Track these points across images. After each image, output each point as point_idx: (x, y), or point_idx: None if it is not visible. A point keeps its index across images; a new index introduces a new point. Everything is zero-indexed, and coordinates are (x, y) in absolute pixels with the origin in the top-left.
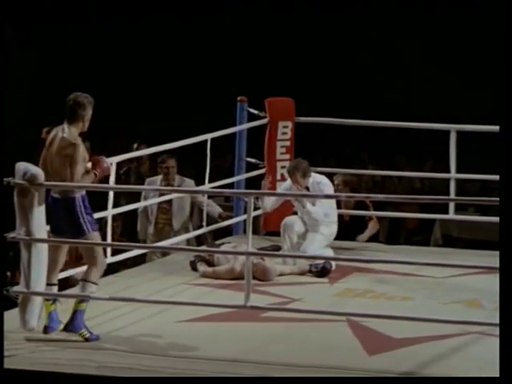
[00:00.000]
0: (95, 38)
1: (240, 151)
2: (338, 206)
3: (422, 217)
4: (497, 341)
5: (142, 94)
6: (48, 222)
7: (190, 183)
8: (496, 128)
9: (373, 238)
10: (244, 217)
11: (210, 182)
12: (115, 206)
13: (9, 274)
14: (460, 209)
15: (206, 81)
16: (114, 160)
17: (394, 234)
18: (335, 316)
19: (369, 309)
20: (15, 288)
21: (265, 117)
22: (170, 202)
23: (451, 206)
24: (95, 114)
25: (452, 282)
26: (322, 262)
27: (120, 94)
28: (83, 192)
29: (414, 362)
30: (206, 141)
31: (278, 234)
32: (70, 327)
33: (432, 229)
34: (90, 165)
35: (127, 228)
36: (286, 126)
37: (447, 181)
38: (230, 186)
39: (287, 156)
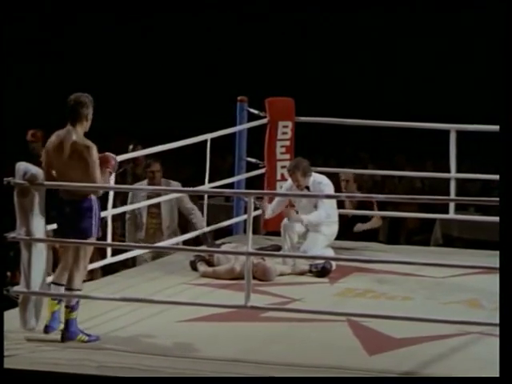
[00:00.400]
0: (95, 38)
1: (240, 151)
2: (342, 205)
3: (423, 216)
4: (497, 341)
5: (142, 93)
6: (57, 224)
7: (177, 185)
8: (496, 128)
9: (373, 238)
10: (244, 217)
11: (210, 182)
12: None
13: (9, 273)
14: (460, 209)
15: (206, 81)
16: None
17: (395, 233)
18: (335, 316)
19: (369, 309)
20: (15, 288)
21: (265, 117)
22: (159, 206)
23: (451, 205)
24: (95, 114)
25: (452, 282)
26: (322, 261)
27: (120, 94)
28: (101, 193)
29: (414, 362)
30: (206, 141)
31: (278, 233)
32: (66, 336)
33: (432, 229)
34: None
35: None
36: (286, 126)
37: (447, 181)
38: (231, 185)
39: (287, 156)
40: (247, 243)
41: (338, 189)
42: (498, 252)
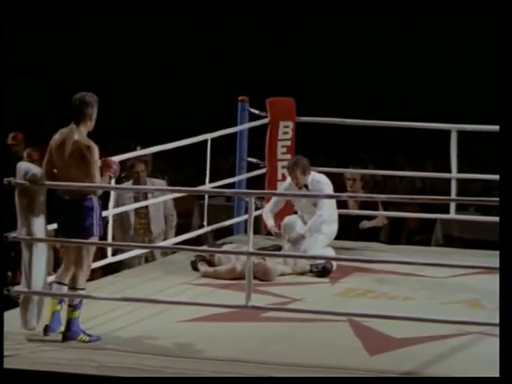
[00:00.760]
0: (95, 38)
1: (241, 151)
2: (345, 205)
3: (423, 217)
4: (497, 341)
5: (142, 93)
6: (57, 224)
7: (161, 183)
8: (496, 128)
9: (374, 238)
10: (245, 217)
11: (211, 182)
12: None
13: (10, 273)
14: (461, 209)
15: (207, 81)
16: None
17: (395, 233)
18: (336, 316)
19: (370, 309)
20: (16, 288)
21: (266, 117)
22: (146, 206)
23: (452, 205)
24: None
25: (453, 282)
26: (322, 261)
27: (120, 94)
28: (100, 192)
29: (414, 362)
30: (207, 141)
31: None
32: (68, 336)
33: (433, 229)
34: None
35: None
36: (286, 126)
37: (448, 181)
38: (231, 186)
39: (288, 156)
40: (248, 243)
41: (341, 188)
42: (498, 252)
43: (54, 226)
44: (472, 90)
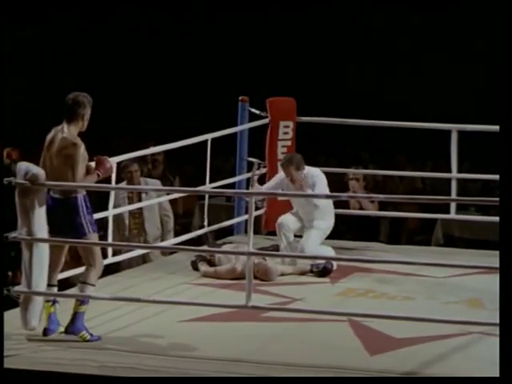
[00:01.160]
0: (95, 38)
1: (241, 151)
2: (347, 205)
3: (424, 216)
4: (497, 341)
5: (142, 93)
6: (47, 222)
7: (155, 183)
8: (496, 128)
9: (374, 238)
10: (245, 217)
11: (212, 182)
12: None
13: (10, 273)
14: (461, 209)
15: (207, 81)
16: (114, 160)
17: (396, 233)
18: (336, 316)
19: (370, 309)
20: (16, 288)
21: (266, 116)
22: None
23: (452, 205)
24: (95, 114)
25: (453, 282)
26: (323, 261)
27: (120, 94)
28: (85, 192)
29: (415, 362)
30: (208, 141)
31: None
32: (70, 329)
33: (433, 229)
34: (93, 164)
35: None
36: (287, 126)
37: (448, 181)
38: (232, 186)
39: None
40: (248, 243)
41: (343, 188)
42: (498, 252)
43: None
44: (472, 90)
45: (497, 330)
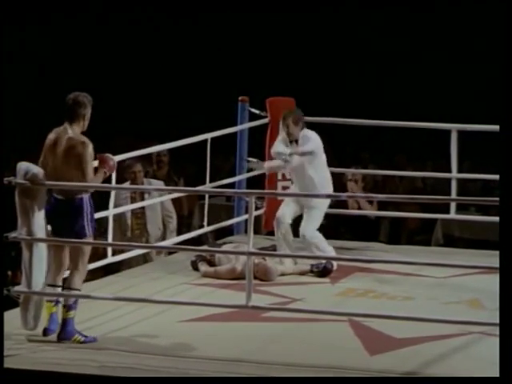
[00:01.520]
0: (95, 38)
1: (241, 151)
2: (345, 205)
3: (424, 216)
4: (498, 341)
5: (142, 93)
6: (48, 223)
7: (158, 184)
8: (496, 128)
9: (374, 238)
10: (245, 217)
11: (212, 181)
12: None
13: (10, 273)
14: (461, 209)
15: (207, 81)
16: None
17: (396, 233)
18: (336, 316)
19: (370, 309)
20: (16, 288)
21: (266, 116)
22: (142, 206)
23: (452, 205)
24: (96, 114)
25: (453, 282)
26: (323, 261)
27: (120, 93)
28: (89, 193)
29: (415, 362)
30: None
31: None
32: (62, 336)
33: (433, 229)
34: (95, 163)
35: None
36: None
37: (448, 181)
38: (232, 185)
39: None
40: (248, 243)
41: (342, 190)
42: (498, 252)
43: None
44: (472, 90)
45: (497, 330)
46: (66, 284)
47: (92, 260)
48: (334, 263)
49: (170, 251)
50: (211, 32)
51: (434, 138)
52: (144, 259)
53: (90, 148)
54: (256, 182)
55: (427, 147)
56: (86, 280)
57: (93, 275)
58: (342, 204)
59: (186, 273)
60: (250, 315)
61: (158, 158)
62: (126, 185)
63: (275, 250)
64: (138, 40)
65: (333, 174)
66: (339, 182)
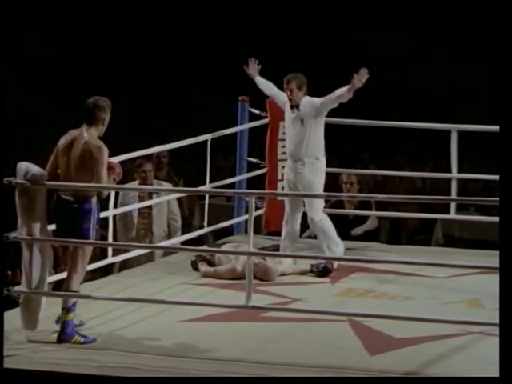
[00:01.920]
0: (95, 39)
1: (241, 151)
2: (341, 205)
3: (424, 217)
4: (498, 341)
5: (143, 93)
6: (53, 223)
7: (167, 186)
8: (496, 128)
9: (374, 238)
10: (245, 217)
11: (212, 182)
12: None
13: (10, 273)
14: (461, 209)
15: (207, 81)
16: (114, 160)
17: (396, 233)
18: (336, 316)
19: (370, 309)
20: (16, 288)
21: (266, 117)
22: (150, 206)
23: (452, 205)
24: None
25: (453, 282)
26: (323, 261)
27: (120, 94)
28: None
29: (415, 362)
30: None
31: (279, 233)
32: (62, 338)
33: (433, 229)
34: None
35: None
36: None
37: (448, 181)
38: (232, 185)
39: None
40: (248, 243)
41: (338, 191)
42: (498, 252)
43: (54, 226)
44: (472, 90)
45: (497, 330)
46: (64, 286)
47: (92, 260)
48: (334, 263)
49: (170, 251)
50: (211, 32)
51: (434, 138)
52: (147, 259)
53: (106, 153)
54: (256, 182)
55: (427, 147)
56: (86, 280)
57: (93, 275)
58: (338, 206)
59: (186, 273)
60: (249, 315)
61: (157, 159)
62: (136, 184)
63: (275, 250)
64: (138, 40)
65: (330, 175)
66: (335, 186)
